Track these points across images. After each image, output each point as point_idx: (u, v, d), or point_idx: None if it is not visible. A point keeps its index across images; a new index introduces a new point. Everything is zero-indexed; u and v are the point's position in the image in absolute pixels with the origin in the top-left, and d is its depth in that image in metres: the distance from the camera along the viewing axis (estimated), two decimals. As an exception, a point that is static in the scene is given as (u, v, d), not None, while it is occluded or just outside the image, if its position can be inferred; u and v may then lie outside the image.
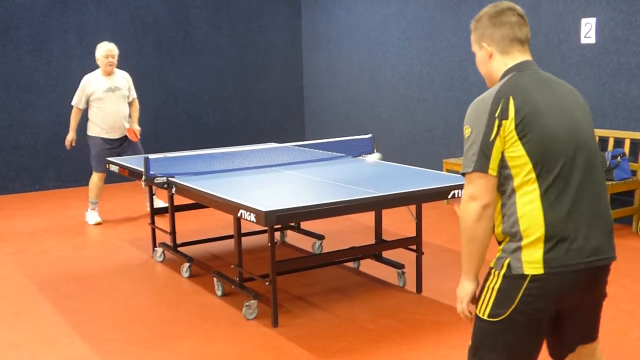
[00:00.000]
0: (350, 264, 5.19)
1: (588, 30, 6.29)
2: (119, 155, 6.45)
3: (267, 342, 3.88)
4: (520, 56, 2.30)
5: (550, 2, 6.58)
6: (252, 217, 3.69)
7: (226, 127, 9.67)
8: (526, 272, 2.14)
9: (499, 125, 2.13)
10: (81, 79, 8.59)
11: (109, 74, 6.65)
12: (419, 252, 4.59)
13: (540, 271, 2.13)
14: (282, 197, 4.10)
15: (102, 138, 6.66)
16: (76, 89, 8.58)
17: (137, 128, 6.78)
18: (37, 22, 8.34)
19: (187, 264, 5.09)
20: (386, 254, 4.98)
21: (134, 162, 5.53)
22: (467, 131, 2.21)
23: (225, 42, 9.55)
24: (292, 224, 5.75)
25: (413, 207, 4.52)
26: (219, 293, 4.64)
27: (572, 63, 6.44)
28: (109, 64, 6.60)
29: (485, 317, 2.25)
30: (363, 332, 3.99)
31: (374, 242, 5.03)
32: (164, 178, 4.76)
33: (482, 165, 2.15)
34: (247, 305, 4.22)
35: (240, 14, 9.62)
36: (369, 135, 5.60)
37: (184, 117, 9.34)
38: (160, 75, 9.07)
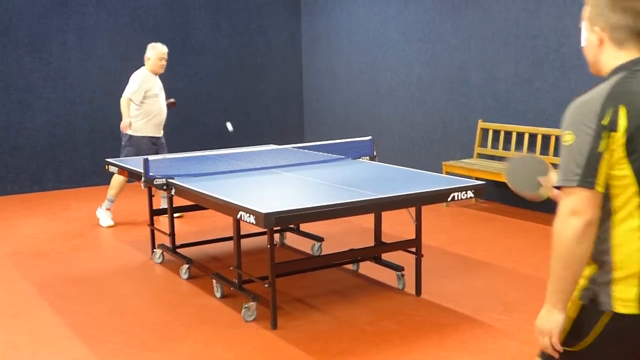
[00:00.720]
0: (350, 266, 5.18)
1: (588, 33, 6.28)
2: (156, 153, 6.50)
3: (266, 344, 3.88)
4: (637, 52, 1.92)
5: (550, 5, 6.58)
6: (252, 219, 3.69)
7: (225, 129, 9.64)
8: (617, 310, 1.86)
9: (608, 137, 1.81)
10: (79, 79, 8.64)
11: (157, 74, 6.76)
12: (419, 255, 4.59)
13: (634, 311, 1.85)
14: (281, 199, 4.10)
15: (149, 137, 6.67)
16: (75, 90, 8.64)
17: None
18: (36, 23, 8.34)
19: (186, 266, 5.08)
20: (385, 257, 4.97)
21: (133, 163, 5.53)
22: (568, 137, 1.86)
23: (224, 44, 9.55)
24: (292, 225, 5.74)
25: (412, 210, 4.52)
26: (218, 295, 4.63)
27: (573, 66, 6.44)
28: (162, 66, 6.74)
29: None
30: (362, 335, 3.98)
31: (373, 245, 5.03)
32: (164, 179, 4.76)
33: (588, 181, 1.82)
34: (246, 307, 4.22)
35: (240, 15, 9.62)
36: (369, 137, 5.59)
37: (184, 118, 9.33)
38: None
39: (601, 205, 1.86)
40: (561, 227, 1.85)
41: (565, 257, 1.85)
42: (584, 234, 1.83)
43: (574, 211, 1.83)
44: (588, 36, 1.99)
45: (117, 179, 6.68)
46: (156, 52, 6.71)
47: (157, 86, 6.74)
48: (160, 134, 6.81)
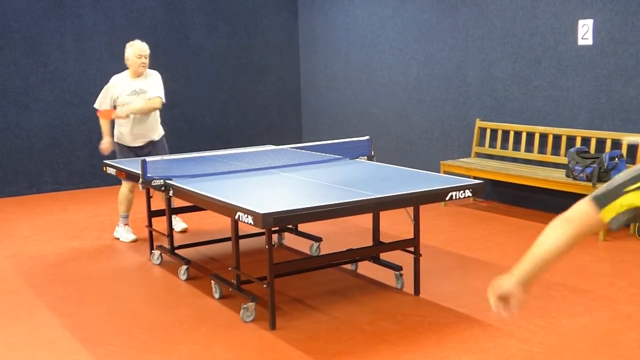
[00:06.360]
0: (348, 266, 5.18)
1: (585, 31, 6.29)
2: None
3: (265, 345, 3.87)
4: None
5: (547, 3, 6.58)
6: (250, 220, 3.69)
7: (223, 129, 9.66)
8: None
9: None
10: (77, 81, 8.64)
11: (139, 75, 6.08)
12: (417, 254, 4.59)
13: None
14: (279, 199, 4.10)
15: (127, 146, 6.15)
16: (72, 92, 8.63)
17: (117, 114, 6.00)
18: (33, 25, 8.33)
19: (184, 267, 5.08)
20: (384, 256, 4.97)
21: (131, 164, 5.52)
22: None
23: (222, 45, 9.55)
24: (290, 226, 5.74)
25: (410, 209, 4.52)
26: (217, 296, 4.63)
27: (569, 64, 6.45)
28: (142, 64, 6.03)
29: None
30: (361, 334, 3.98)
31: (371, 244, 5.02)
32: (161, 180, 4.75)
33: None
34: (244, 308, 4.21)
35: (237, 16, 9.62)
36: (366, 137, 5.59)
37: (181, 119, 9.33)
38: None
39: None
40: None
41: None
42: None
43: None
44: None
45: (122, 193, 6.24)
46: (134, 50, 6.01)
47: (128, 91, 6.00)
48: (140, 143, 6.16)
